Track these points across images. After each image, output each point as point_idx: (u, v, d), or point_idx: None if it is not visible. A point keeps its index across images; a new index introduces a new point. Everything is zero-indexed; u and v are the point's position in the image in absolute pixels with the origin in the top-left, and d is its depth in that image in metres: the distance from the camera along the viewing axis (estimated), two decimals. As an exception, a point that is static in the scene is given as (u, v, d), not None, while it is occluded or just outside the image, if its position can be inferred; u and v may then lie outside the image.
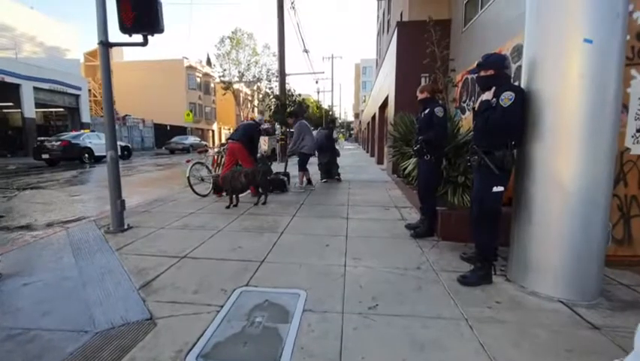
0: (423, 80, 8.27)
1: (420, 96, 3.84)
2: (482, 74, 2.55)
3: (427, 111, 3.72)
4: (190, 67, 37.81)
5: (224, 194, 5.76)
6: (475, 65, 2.66)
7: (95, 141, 15.11)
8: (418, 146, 3.77)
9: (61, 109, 22.31)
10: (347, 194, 6.49)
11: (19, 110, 18.72)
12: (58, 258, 3.10)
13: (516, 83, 2.86)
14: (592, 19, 2.13)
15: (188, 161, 6.38)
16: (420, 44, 7.88)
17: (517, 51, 4.30)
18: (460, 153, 4.61)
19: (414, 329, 1.93)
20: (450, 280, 2.58)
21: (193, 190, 5.90)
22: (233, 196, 5.28)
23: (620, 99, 2.26)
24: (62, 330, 1.98)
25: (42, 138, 14.45)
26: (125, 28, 3.49)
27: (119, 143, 10.55)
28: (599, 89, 2.17)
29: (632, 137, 2.85)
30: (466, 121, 5.84)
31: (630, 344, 1.68)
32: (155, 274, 2.71)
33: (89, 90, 25.93)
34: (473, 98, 6.64)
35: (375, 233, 3.89)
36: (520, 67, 2.97)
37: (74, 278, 2.66)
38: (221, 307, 2.19)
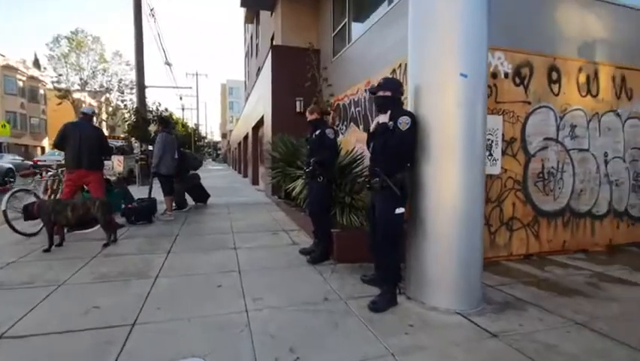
0: (298, 103, 8.53)
1: (310, 117, 3.79)
2: (381, 94, 2.62)
3: (317, 133, 3.68)
4: (8, 67, 29.36)
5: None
6: (363, 84, 2.74)
7: None
8: (311, 168, 3.68)
9: None
10: (229, 219, 5.91)
11: None
12: None
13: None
14: (465, 58, 2.46)
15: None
16: (292, 68, 8.16)
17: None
18: (344, 173, 4.79)
19: (343, 379, 1.68)
20: (360, 308, 2.47)
21: (13, 228, 4.26)
22: (61, 233, 4.09)
23: (485, 127, 2.65)
24: None
25: None
26: None
27: None
28: (471, 117, 2.49)
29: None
30: (344, 142, 6.21)
31: (524, 346, 1.93)
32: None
33: None
34: (345, 122, 7.18)
35: (271, 263, 3.54)
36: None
37: None
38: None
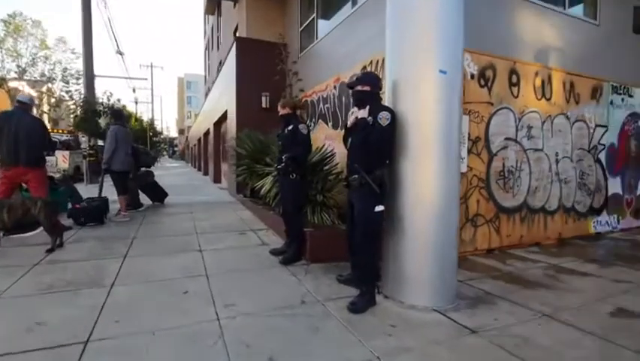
0: (264, 98, 8.28)
1: (282, 112, 3.64)
2: (359, 88, 2.55)
3: (290, 128, 3.54)
4: None
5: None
6: (332, 81, 2.67)
7: None
8: (283, 164, 3.53)
9: None
10: (192, 219, 5.58)
11: None
12: None
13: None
14: (443, 55, 2.47)
15: None
16: (258, 62, 7.91)
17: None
18: (315, 171, 4.69)
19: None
20: (339, 310, 2.39)
21: None
22: None
23: (461, 124, 2.69)
24: None
25: None
26: None
27: None
28: (449, 114, 2.51)
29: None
30: (312, 140, 6.09)
31: (503, 342, 1.97)
32: None
33: None
34: (314, 119, 7.09)
35: (241, 265, 3.36)
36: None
37: None
38: None
